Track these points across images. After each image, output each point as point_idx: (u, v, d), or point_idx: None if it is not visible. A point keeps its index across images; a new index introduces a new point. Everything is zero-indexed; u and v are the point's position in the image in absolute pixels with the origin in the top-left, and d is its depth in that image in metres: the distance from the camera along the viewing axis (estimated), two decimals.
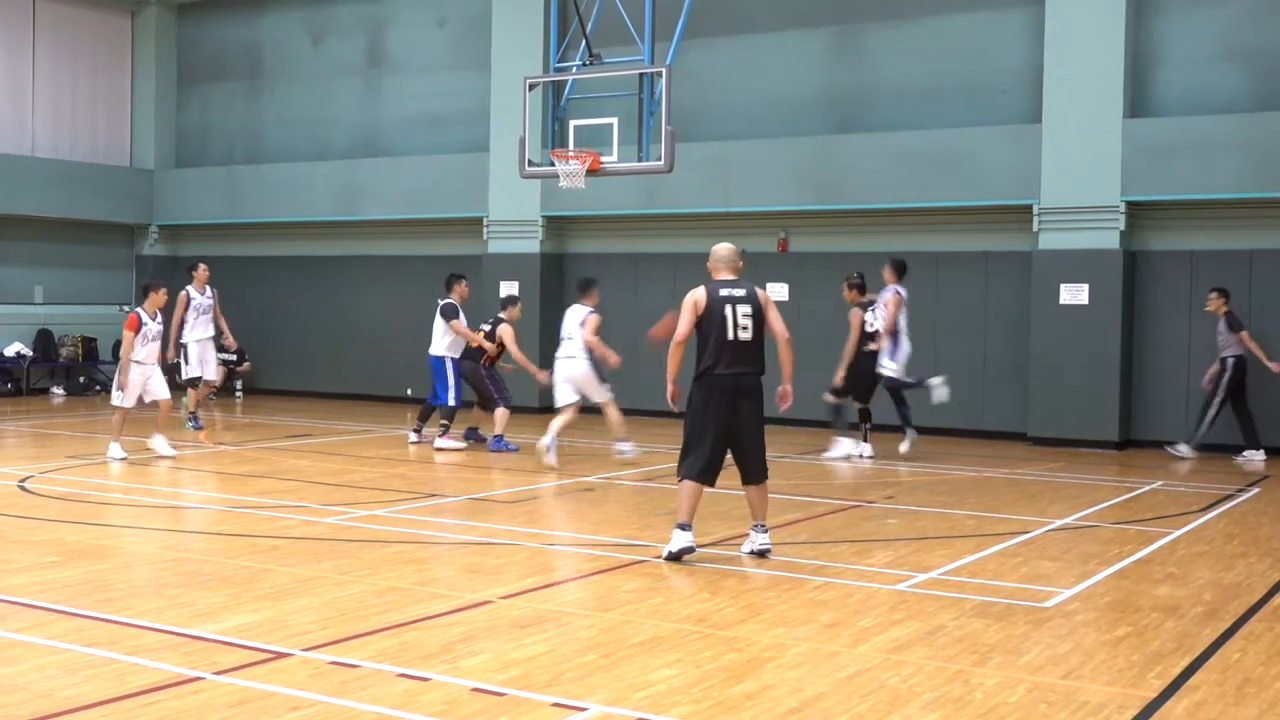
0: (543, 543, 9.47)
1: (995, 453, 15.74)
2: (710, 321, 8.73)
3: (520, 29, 19.82)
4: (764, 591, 7.93)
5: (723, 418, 8.73)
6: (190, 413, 16.57)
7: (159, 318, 14.16)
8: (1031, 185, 16.71)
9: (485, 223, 20.50)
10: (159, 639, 6.60)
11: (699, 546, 9.05)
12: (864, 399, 15.09)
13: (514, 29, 19.94)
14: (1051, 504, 11.73)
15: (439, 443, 15.08)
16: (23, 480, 12.06)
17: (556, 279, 20.31)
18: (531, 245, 20.10)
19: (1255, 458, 15.27)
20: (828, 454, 14.85)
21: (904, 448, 14.73)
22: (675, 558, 8.79)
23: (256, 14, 23.84)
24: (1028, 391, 16.87)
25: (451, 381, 15.27)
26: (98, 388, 23.08)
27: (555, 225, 20.35)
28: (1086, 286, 16.42)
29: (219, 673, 6.00)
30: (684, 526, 8.81)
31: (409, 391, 21.08)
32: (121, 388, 13.80)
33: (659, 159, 13.57)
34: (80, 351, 22.98)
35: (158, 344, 14.16)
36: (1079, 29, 16.42)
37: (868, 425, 15.11)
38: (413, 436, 15.81)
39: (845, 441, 14.94)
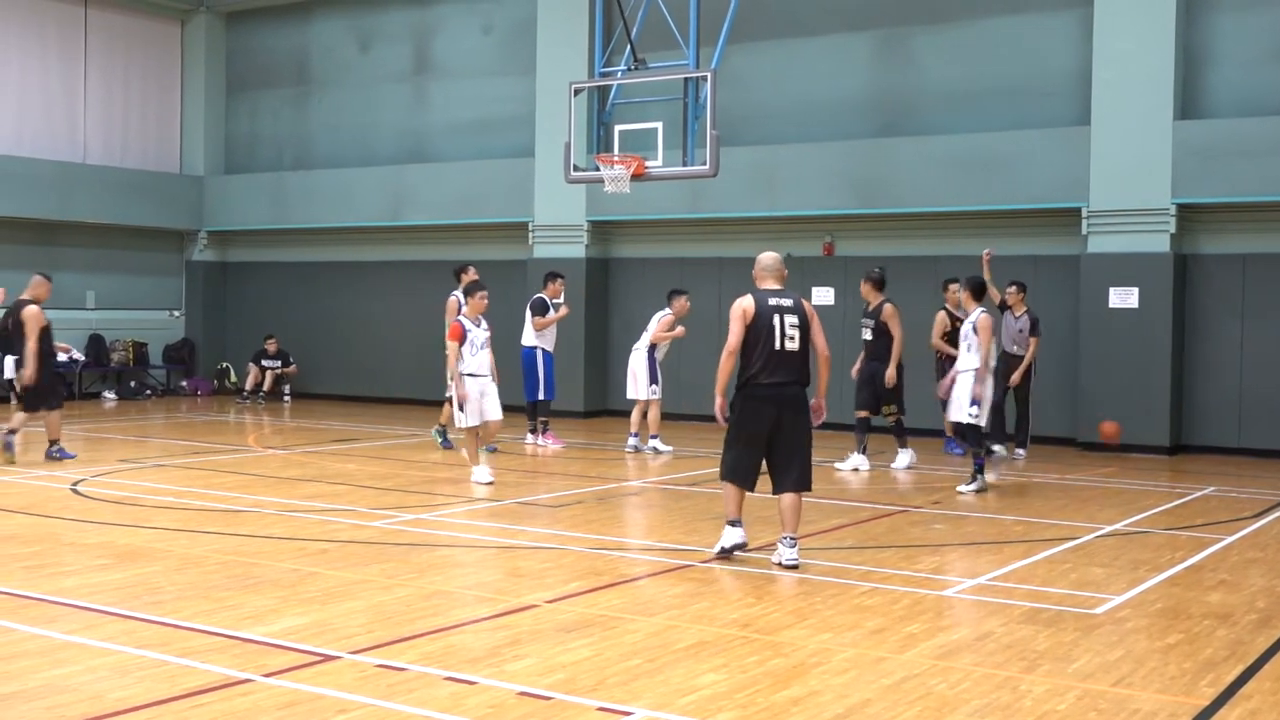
0: (588, 547, 9.47)
1: (1044, 458, 15.61)
2: (758, 331, 8.68)
3: (565, 34, 19.88)
4: (810, 597, 7.89)
5: (765, 426, 8.70)
6: (440, 426, 15.65)
7: (483, 323, 12.63)
8: (1080, 188, 16.56)
9: (530, 228, 20.55)
10: (208, 641, 6.65)
11: (745, 551, 9.08)
12: (875, 409, 14.19)
13: (559, 34, 20.00)
14: (1101, 509, 11.62)
15: (537, 441, 15.28)
16: (75, 484, 12.20)
17: (601, 284, 20.34)
18: (577, 250, 20.13)
19: (1016, 455, 15.57)
20: (893, 464, 14.27)
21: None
22: (727, 553, 8.89)
23: (304, 21, 24.04)
24: (1077, 396, 16.72)
25: (541, 375, 15.39)
26: (148, 392, 23.33)
27: (600, 230, 20.38)
28: (1136, 290, 16.25)
29: (268, 675, 6.04)
30: (734, 523, 8.89)
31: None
32: (461, 406, 12.42)
33: (704, 163, 13.56)
34: (131, 356, 23.24)
35: (488, 352, 12.61)
36: (1128, 30, 16.26)
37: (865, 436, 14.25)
38: (529, 439, 15.76)
39: (906, 452, 14.22)
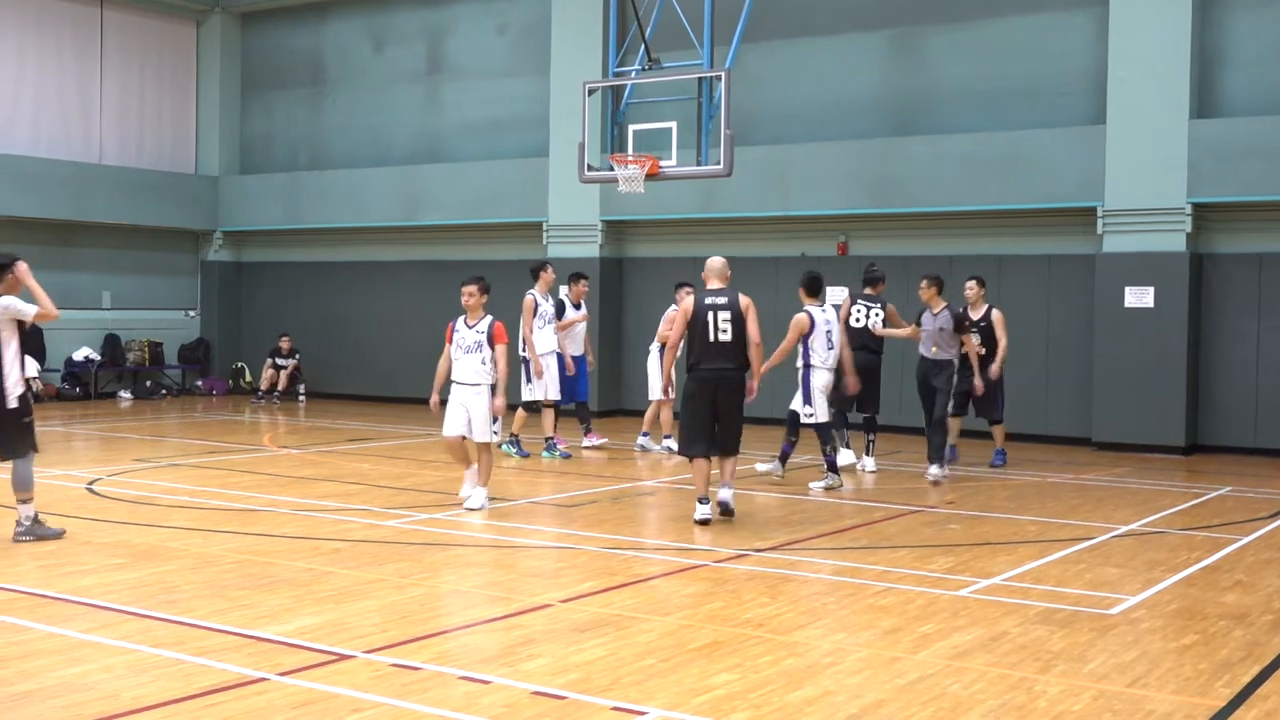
0: (602, 546, 9.47)
1: (1059, 458, 15.57)
2: (696, 325, 10.33)
3: (579, 34, 19.89)
4: (824, 597, 7.89)
5: (704, 402, 10.35)
6: (513, 435, 14.99)
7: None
8: (1095, 187, 16.52)
9: (545, 228, 20.57)
10: (223, 640, 6.68)
11: (759, 551, 9.18)
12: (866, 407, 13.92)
13: (573, 34, 20.01)
14: (1117, 510, 11.58)
15: (583, 443, 15.26)
16: (91, 483, 12.25)
17: (616, 283, 20.35)
18: (591, 250, 20.14)
19: (933, 473, 13.00)
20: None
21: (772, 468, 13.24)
22: (703, 523, 10.30)
23: (319, 22, 24.09)
24: (1092, 396, 16.67)
25: (555, 377, 15.16)
26: (164, 392, 23.41)
27: (614, 230, 20.38)
28: (1152, 289, 16.20)
29: (282, 674, 6.06)
30: (702, 500, 10.42)
31: None
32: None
33: (718, 163, 13.56)
34: (147, 356, 23.31)
35: (472, 359, 11.12)
36: (1144, 29, 16.21)
37: (871, 436, 14.02)
38: (586, 441, 15.58)
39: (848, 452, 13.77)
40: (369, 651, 6.47)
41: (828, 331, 12.37)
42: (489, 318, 11.00)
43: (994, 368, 14.05)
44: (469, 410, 11.03)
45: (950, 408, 13.41)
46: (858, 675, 6.22)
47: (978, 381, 13.59)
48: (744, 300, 10.39)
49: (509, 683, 5.97)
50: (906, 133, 18.15)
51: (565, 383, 15.09)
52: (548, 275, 14.95)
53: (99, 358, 22.68)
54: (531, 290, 14.79)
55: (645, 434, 15.48)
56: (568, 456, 14.67)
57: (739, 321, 10.31)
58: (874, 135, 18.34)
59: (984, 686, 6.06)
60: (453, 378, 11.19)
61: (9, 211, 21.28)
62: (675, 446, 14.99)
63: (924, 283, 13.37)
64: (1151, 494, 12.65)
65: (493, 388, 10.97)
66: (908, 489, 12.74)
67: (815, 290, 12.39)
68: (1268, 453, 15.81)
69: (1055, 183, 16.80)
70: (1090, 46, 17.05)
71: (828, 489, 12.34)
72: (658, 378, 15.26)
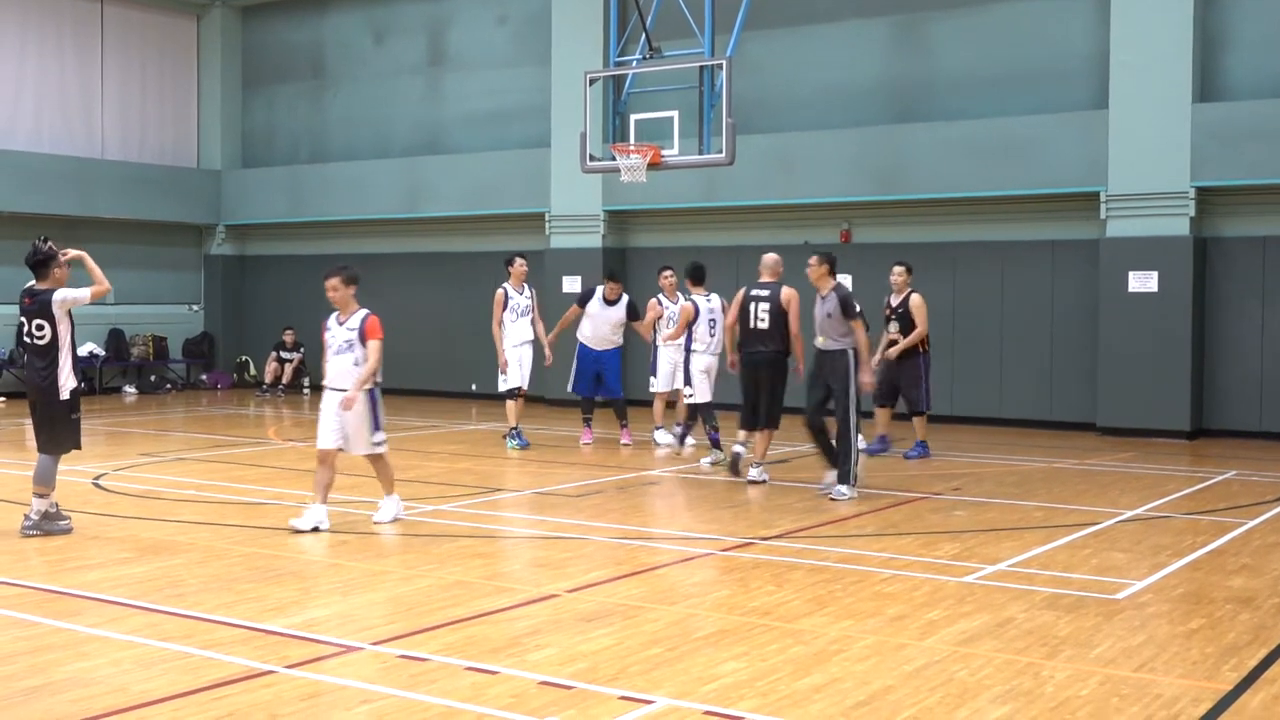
0: (608, 536, 9.48)
1: (1064, 443, 15.56)
2: (741, 313, 11.83)
3: (580, 24, 19.86)
4: (830, 584, 7.89)
5: (748, 381, 11.82)
6: (512, 428, 14.92)
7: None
8: (1098, 172, 16.49)
9: (547, 218, 20.56)
10: (231, 633, 6.69)
11: (765, 540, 9.20)
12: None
13: (574, 24, 19.98)
14: (1122, 495, 11.58)
15: (621, 440, 15.18)
16: (97, 478, 12.27)
17: (619, 273, 20.26)
18: (594, 240, 20.13)
19: (840, 491, 11.21)
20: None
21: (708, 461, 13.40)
22: (735, 457, 12.08)
23: (319, 15, 24.06)
24: (1097, 381, 16.66)
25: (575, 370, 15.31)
26: (168, 386, 23.43)
27: (617, 219, 20.37)
28: (1156, 274, 16.18)
29: (290, 666, 6.07)
30: (738, 444, 12.13)
31: (474, 387, 21.22)
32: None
33: (720, 151, 13.53)
34: (151, 350, 23.33)
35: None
36: (1146, 12, 16.17)
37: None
38: (623, 439, 15.20)
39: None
40: (377, 643, 6.48)
41: (711, 320, 13.66)
42: (363, 312, 9.62)
43: (891, 351, 13.85)
44: (342, 420, 9.61)
45: (874, 399, 13.46)
46: (865, 662, 6.22)
47: (865, 377, 11.30)
48: (785, 294, 11.64)
49: (516, 673, 5.98)
50: (909, 119, 18.12)
51: (589, 379, 15.12)
52: (517, 268, 14.95)
53: (103, 353, 22.69)
54: (504, 284, 14.88)
55: (659, 427, 15.18)
56: (526, 445, 14.72)
57: (776, 312, 11.60)
58: (876, 122, 18.31)
59: (991, 672, 6.06)
60: (324, 381, 9.82)
61: (12, 208, 21.30)
62: (660, 438, 14.90)
63: (813, 261, 11.64)
64: (1157, 478, 12.65)
65: (371, 392, 9.60)
66: (912, 476, 12.74)
67: (699, 279, 13.83)
68: (1273, 436, 15.80)
69: (1058, 168, 16.78)
70: (1092, 31, 17.00)
71: (714, 464, 13.07)
72: (667, 367, 14.92)
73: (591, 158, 14.62)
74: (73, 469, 12.73)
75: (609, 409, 15.85)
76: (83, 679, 5.87)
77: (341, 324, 9.62)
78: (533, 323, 15.04)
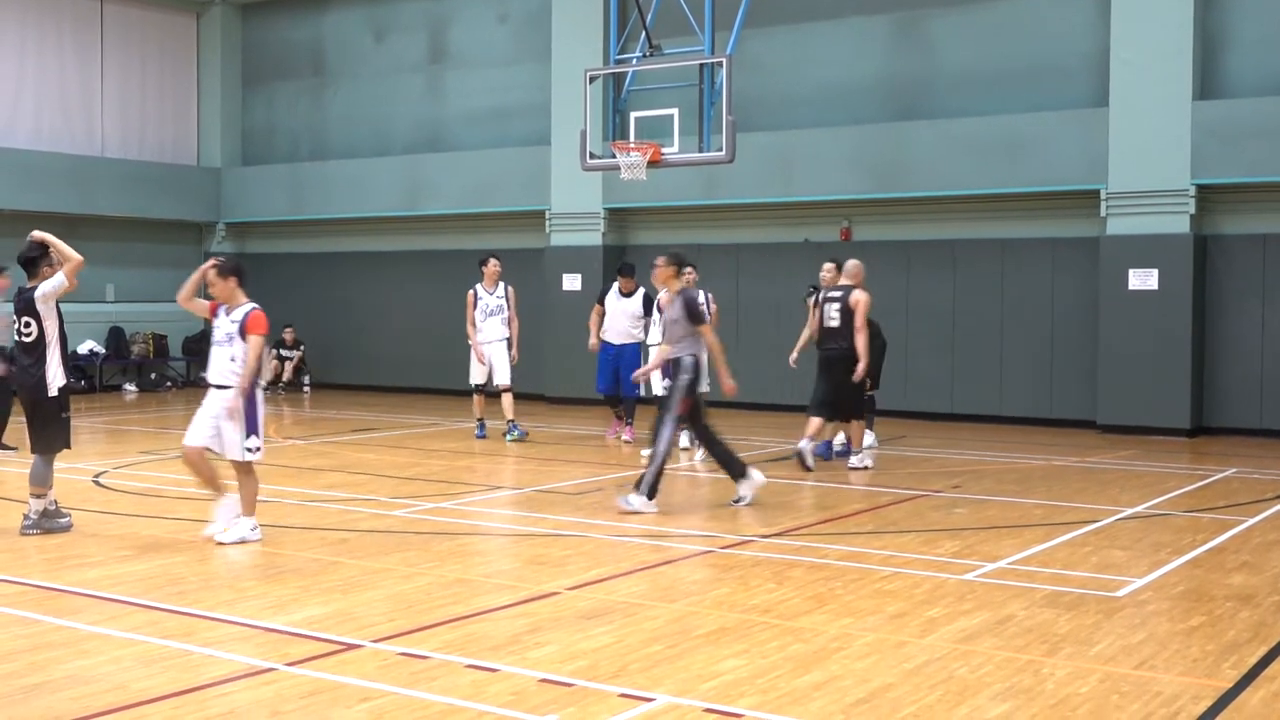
0: (608, 534, 9.49)
1: (1064, 441, 15.56)
2: (819, 312, 12.91)
3: (580, 22, 19.85)
4: (830, 582, 7.89)
5: (819, 372, 12.84)
6: (509, 421, 15.28)
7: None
8: (1099, 170, 16.48)
9: (547, 216, 20.55)
10: (231, 631, 6.69)
11: (765, 537, 9.21)
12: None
13: (574, 22, 19.97)
14: (1122, 492, 11.58)
15: (622, 436, 15.16)
16: (97, 475, 12.27)
17: (628, 268, 20.25)
18: (594, 238, 20.13)
19: (627, 500, 10.31)
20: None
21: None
22: (799, 454, 12.41)
23: (319, 12, 24.05)
24: (1097, 379, 16.66)
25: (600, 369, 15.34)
26: (168, 384, 23.43)
27: (617, 217, 20.36)
28: (1156, 272, 16.18)
29: (290, 664, 6.07)
30: (805, 440, 12.53)
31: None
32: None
33: (720, 149, 13.53)
34: (151, 349, 23.34)
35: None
36: (1146, 10, 16.16)
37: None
38: (625, 435, 15.26)
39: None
40: (377, 641, 6.48)
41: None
42: (249, 305, 9.02)
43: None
44: (217, 419, 9.00)
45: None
46: (865, 660, 6.22)
47: (727, 382, 10.63)
48: (854, 297, 12.63)
49: (516, 670, 5.98)
50: (909, 117, 18.11)
51: (609, 375, 15.12)
52: (490, 268, 15.35)
53: (103, 351, 22.70)
54: (476, 284, 15.32)
55: None
56: (483, 437, 15.32)
57: (846, 312, 12.60)
58: (876, 120, 18.30)
59: (991, 670, 6.06)
60: (205, 374, 9.30)
61: (12, 205, 21.28)
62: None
63: (660, 261, 10.83)
64: (1157, 476, 12.65)
65: (250, 394, 9.02)
66: (912, 473, 12.74)
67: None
68: (1273, 434, 15.80)
69: (1059, 166, 16.77)
70: (1093, 28, 16.99)
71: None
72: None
73: (592, 155, 14.62)
74: (73, 466, 12.73)
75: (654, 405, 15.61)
76: (83, 677, 5.87)
77: (228, 315, 9.05)
78: (506, 322, 15.31)
